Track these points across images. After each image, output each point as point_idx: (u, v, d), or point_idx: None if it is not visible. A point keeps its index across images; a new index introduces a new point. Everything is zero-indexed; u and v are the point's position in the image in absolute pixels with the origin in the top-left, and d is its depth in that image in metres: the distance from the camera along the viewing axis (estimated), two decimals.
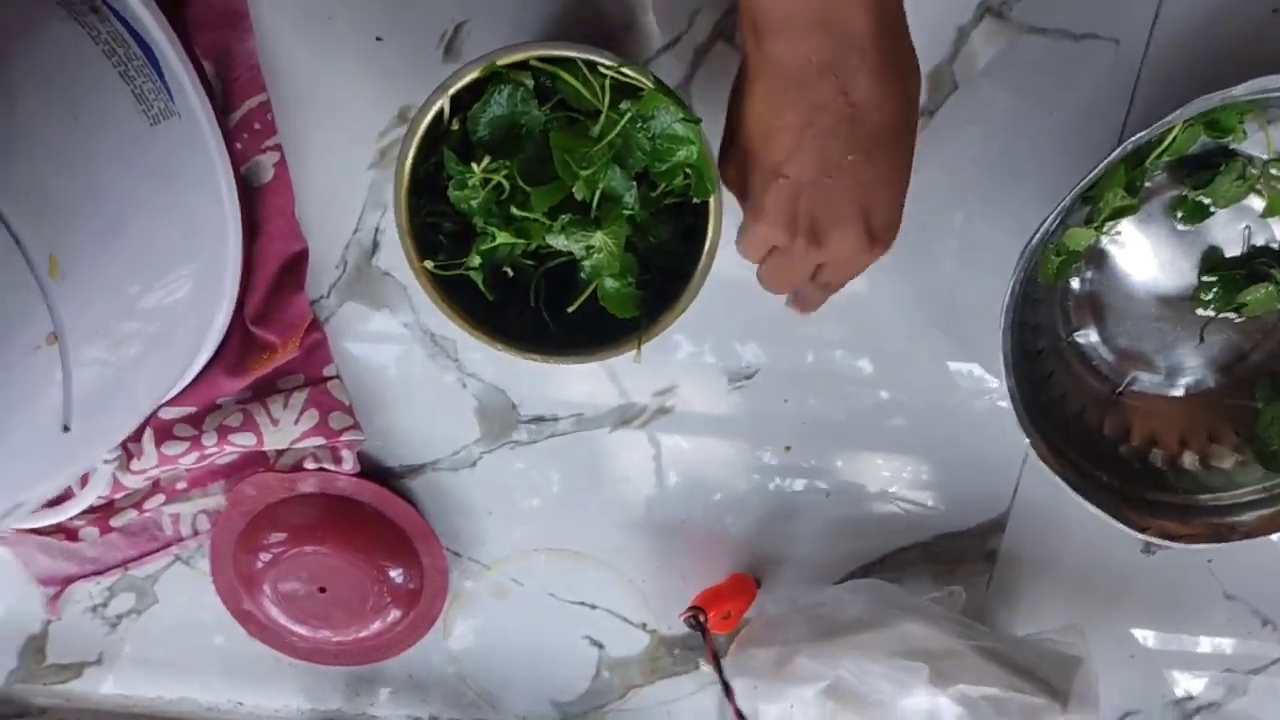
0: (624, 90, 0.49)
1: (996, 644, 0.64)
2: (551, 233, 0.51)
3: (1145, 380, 0.64)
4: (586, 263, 0.51)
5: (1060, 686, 0.63)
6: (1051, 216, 0.54)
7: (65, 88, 0.49)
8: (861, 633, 0.64)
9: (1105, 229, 0.56)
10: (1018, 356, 0.58)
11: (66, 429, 0.47)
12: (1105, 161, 0.51)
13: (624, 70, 0.49)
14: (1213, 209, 0.58)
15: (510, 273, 0.54)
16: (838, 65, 0.42)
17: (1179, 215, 0.59)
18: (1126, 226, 0.60)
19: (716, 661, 0.65)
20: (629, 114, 0.48)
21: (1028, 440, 0.57)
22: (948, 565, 0.71)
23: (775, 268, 0.51)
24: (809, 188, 0.45)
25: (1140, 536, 0.58)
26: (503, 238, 0.51)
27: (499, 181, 0.50)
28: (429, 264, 0.51)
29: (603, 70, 0.49)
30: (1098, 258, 0.61)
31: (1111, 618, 0.73)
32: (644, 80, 0.49)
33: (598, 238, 0.50)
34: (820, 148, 0.44)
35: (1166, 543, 0.59)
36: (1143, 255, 0.61)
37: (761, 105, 0.44)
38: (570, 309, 0.52)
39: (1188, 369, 0.63)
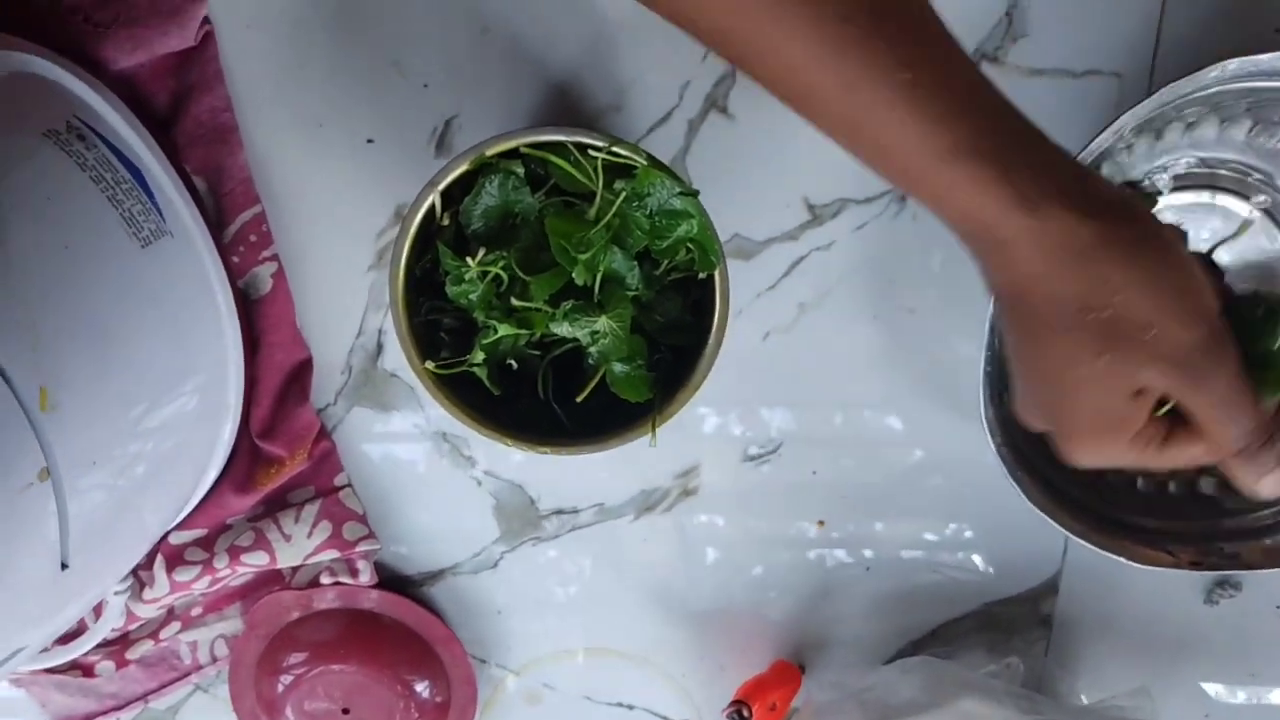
0: (618, 170, 0.48)
1: (1062, 717, 0.60)
2: (555, 321, 0.49)
3: None
4: (593, 349, 0.50)
5: None
6: None
7: (54, 219, 0.49)
8: (918, 716, 0.60)
9: None
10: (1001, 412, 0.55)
11: (65, 566, 0.45)
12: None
13: (616, 149, 0.48)
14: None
15: (515, 365, 0.52)
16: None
17: None
18: None
19: None
20: (624, 193, 0.47)
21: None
22: (1002, 633, 0.67)
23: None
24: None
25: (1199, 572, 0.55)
26: (505, 329, 0.49)
27: (497, 273, 0.49)
28: (430, 365, 0.50)
29: (594, 152, 0.48)
30: None
31: (1180, 675, 0.68)
32: (637, 157, 0.47)
33: (602, 322, 0.48)
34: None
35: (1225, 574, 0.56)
36: None
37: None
38: (579, 399, 0.50)
39: None
